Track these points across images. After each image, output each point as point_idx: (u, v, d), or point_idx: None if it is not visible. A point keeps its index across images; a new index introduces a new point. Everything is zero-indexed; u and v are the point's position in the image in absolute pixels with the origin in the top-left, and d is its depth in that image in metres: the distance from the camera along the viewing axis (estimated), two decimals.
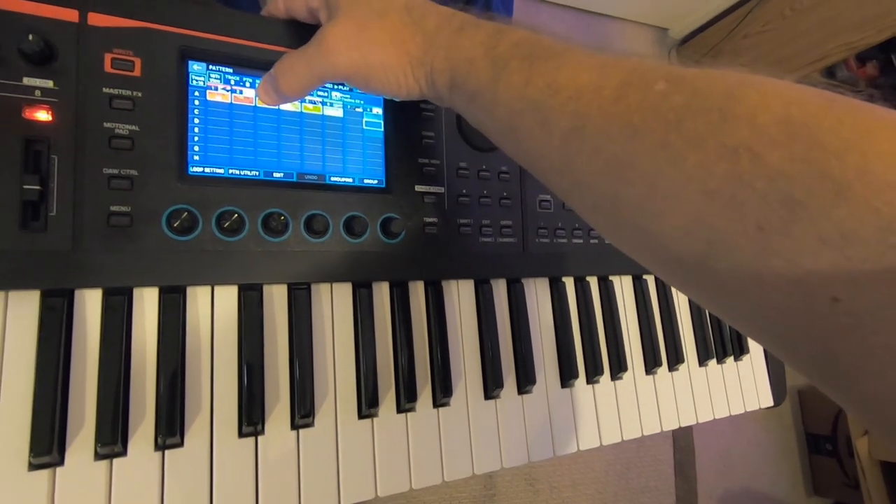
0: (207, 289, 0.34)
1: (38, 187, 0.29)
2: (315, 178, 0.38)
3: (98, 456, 0.29)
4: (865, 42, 1.41)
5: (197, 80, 0.35)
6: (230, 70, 0.36)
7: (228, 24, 0.36)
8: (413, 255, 0.40)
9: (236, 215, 0.34)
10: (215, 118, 0.35)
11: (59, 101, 0.30)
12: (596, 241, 0.49)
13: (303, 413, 0.34)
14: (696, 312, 0.56)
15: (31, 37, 0.29)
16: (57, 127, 0.30)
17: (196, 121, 0.35)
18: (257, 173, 0.36)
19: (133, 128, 0.32)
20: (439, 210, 0.41)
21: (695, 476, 1.47)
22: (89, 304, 0.31)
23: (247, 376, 0.33)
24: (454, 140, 0.43)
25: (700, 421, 0.53)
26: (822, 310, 0.17)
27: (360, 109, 0.41)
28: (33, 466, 0.28)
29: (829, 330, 0.17)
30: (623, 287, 0.52)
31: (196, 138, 0.35)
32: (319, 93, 0.39)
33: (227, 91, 0.36)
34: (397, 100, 0.36)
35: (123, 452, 0.30)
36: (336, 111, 0.40)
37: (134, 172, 0.32)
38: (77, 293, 0.31)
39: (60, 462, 0.29)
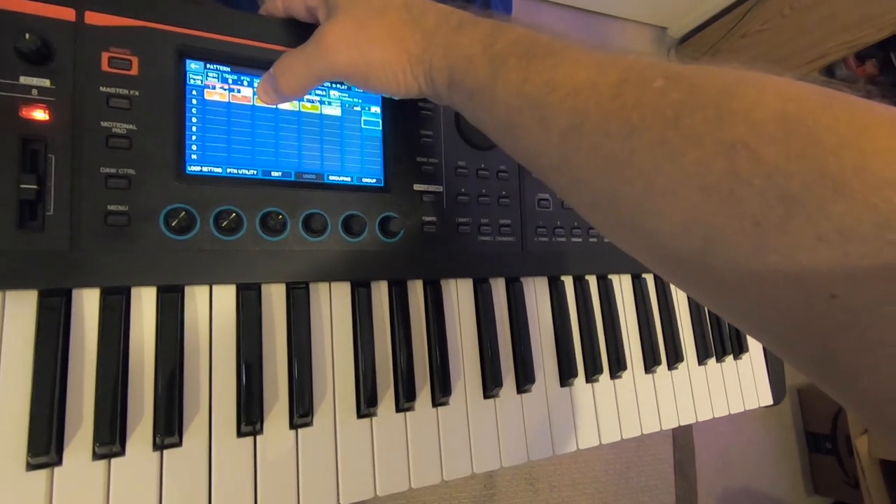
0: (205, 288, 0.34)
1: (35, 187, 0.29)
2: (313, 177, 0.38)
3: (96, 456, 0.29)
4: (864, 40, 1.41)
5: (195, 79, 0.35)
6: (228, 69, 0.36)
7: (226, 23, 0.36)
8: (412, 254, 0.40)
9: (234, 214, 0.34)
10: (213, 117, 0.35)
11: (56, 101, 0.30)
12: (595, 239, 0.49)
13: (301, 412, 0.34)
14: (695, 311, 0.56)
15: (27, 36, 0.29)
16: (54, 126, 0.30)
17: (194, 120, 0.35)
18: (255, 172, 0.36)
19: (130, 127, 0.32)
20: (438, 209, 0.41)
21: (694, 475, 1.47)
22: (87, 304, 0.31)
23: (245, 376, 0.33)
24: (453, 139, 0.43)
25: (699, 420, 0.53)
26: (819, 306, 0.17)
27: (358, 108, 0.40)
28: (31, 466, 0.28)
29: (827, 326, 0.17)
30: (622, 286, 0.52)
31: (194, 137, 0.35)
32: (317, 92, 0.39)
33: (225, 90, 0.36)
34: (396, 98, 0.36)
35: (122, 452, 0.30)
36: (334, 110, 0.40)
37: (131, 171, 0.32)
38: (75, 293, 0.31)
39: (58, 462, 0.29)
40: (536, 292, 0.47)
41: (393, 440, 0.37)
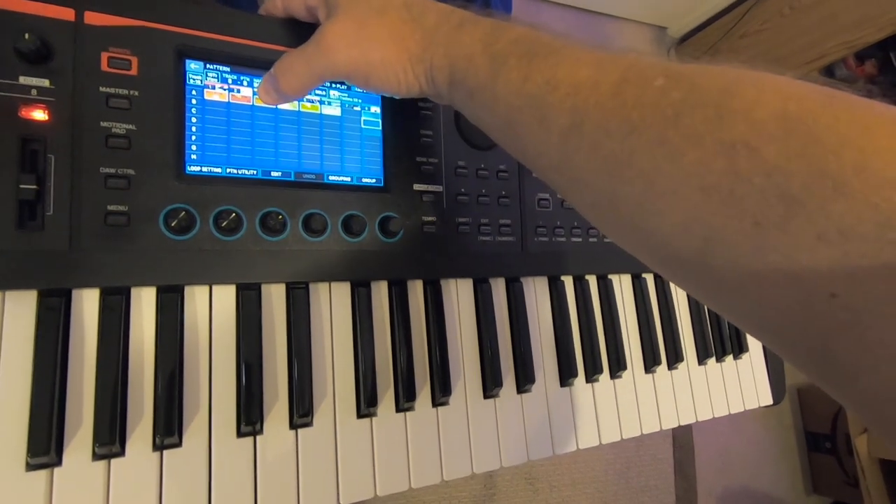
0: (205, 288, 0.34)
1: (34, 187, 0.29)
2: (313, 177, 0.38)
3: (96, 456, 0.29)
4: (864, 40, 1.41)
5: (194, 79, 0.35)
6: (228, 69, 0.36)
7: (226, 23, 0.36)
8: (411, 254, 0.40)
9: (234, 214, 0.34)
10: (213, 117, 0.35)
11: (55, 101, 0.30)
12: (595, 239, 0.49)
13: (301, 412, 0.34)
14: (695, 311, 0.56)
15: (27, 36, 0.29)
16: (53, 126, 0.30)
17: (193, 120, 0.35)
18: (255, 172, 0.36)
19: (130, 127, 0.32)
20: (438, 209, 0.41)
21: (694, 475, 1.47)
22: (87, 304, 0.31)
23: (245, 376, 0.33)
24: (452, 138, 0.43)
25: (699, 419, 0.53)
26: (819, 306, 0.17)
27: (358, 108, 0.40)
28: (31, 467, 0.28)
29: (827, 326, 0.17)
30: (622, 286, 0.52)
31: (193, 137, 0.35)
32: (317, 91, 0.39)
33: (225, 90, 0.36)
34: (397, 97, 0.36)
35: (121, 453, 0.30)
36: (334, 110, 0.40)
37: (131, 172, 0.32)
38: (74, 293, 0.31)
39: (58, 462, 0.29)
40: (536, 292, 0.47)
41: (393, 440, 0.37)
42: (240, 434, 0.33)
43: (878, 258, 0.15)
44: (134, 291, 0.32)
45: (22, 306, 0.29)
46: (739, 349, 0.58)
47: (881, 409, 0.18)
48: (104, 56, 0.32)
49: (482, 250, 0.43)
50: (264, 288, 0.35)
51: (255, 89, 0.37)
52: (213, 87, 0.36)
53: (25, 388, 0.28)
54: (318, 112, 0.39)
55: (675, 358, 0.52)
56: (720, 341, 0.57)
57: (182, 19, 0.34)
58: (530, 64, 0.27)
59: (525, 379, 0.43)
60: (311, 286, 0.37)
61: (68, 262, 0.30)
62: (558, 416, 0.45)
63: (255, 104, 0.37)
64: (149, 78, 0.33)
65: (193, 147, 0.34)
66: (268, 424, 0.34)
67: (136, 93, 0.32)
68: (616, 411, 0.48)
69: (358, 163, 0.40)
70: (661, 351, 0.52)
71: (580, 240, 0.48)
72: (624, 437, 0.48)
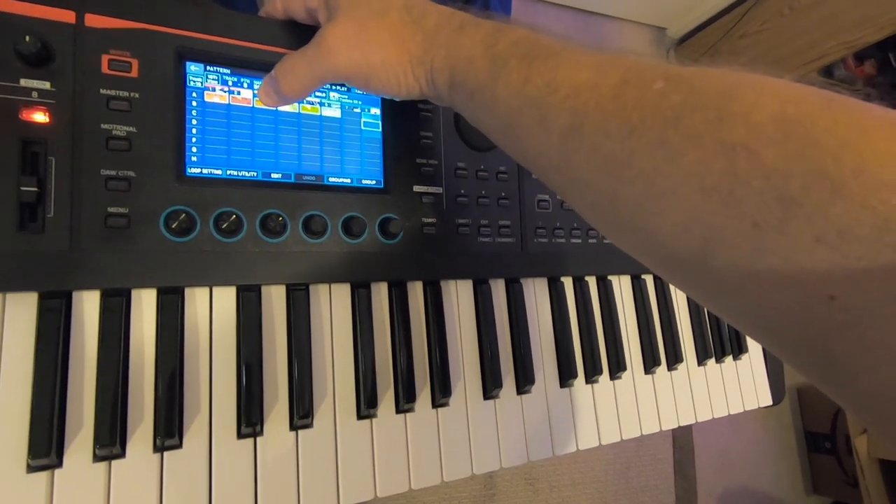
0: (206, 290, 0.34)
1: (35, 189, 0.29)
2: (313, 178, 0.38)
3: (96, 458, 0.29)
4: (864, 41, 1.41)
5: (194, 81, 0.35)
6: (228, 71, 0.36)
7: (226, 25, 0.36)
8: (411, 255, 0.40)
9: (234, 216, 0.34)
10: (213, 119, 0.35)
11: (56, 103, 0.30)
12: (594, 240, 0.49)
13: (301, 414, 0.34)
14: (694, 312, 0.56)
15: (27, 38, 0.29)
16: (54, 128, 0.30)
17: (194, 122, 0.35)
18: (255, 174, 0.36)
19: (130, 129, 0.32)
20: (437, 210, 0.41)
21: (694, 475, 1.47)
22: (87, 306, 0.31)
23: (245, 377, 0.33)
24: (452, 140, 0.43)
25: (699, 420, 0.53)
26: (818, 307, 0.17)
27: (358, 110, 0.41)
28: (31, 468, 0.28)
29: (826, 327, 0.17)
30: (622, 287, 0.52)
31: (194, 139, 0.35)
32: (317, 93, 0.39)
33: (225, 92, 0.36)
34: (397, 99, 0.36)
35: (122, 454, 0.30)
36: (334, 112, 0.40)
37: (131, 174, 0.32)
38: (75, 295, 0.31)
39: (59, 464, 0.29)
40: (536, 293, 0.47)
41: (393, 441, 0.37)
42: (240, 435, 0.33)
43: (876, 260, 0.15)
44: (134, 293, 0.32)
45: (22, 308, 0.29)
46: (739, 350, 0.58)
47: (881, 410, 0.18)
48: (105, 58, 0.32)
49: (482, 251, 0.43)
50: (264, 289, 0.36)
51: (256, 91, 0.37)
52: (214, 89, 0.36)
53: (26, 389, 0.28)
54: (319, 114, 0.39)
55: (674, 359, 0.52)
56: (720, 342, 0.57)
57: (182, 21, 0.34)
58: (530, 66, 0.27)
59: (525, 380, 0.43)
60: (312, 287, 0.37)
61: (69, 263, 0.30)
62: (558, 416, 0.45)
63: (256, 106, 0.37)
64: (149, 80, 0.33)
65: (194, 149, 0.35)
66: (268, 426, 0.34)
67: (137, 95, 0.32)
68: (616, 412, 0.48)
69: (358, 164, 0.40)
70: (660, 352, 0.52)
71: (580, 241, 0.48)
72: (624, 438, 0.48)
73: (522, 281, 0.46)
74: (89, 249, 0.30)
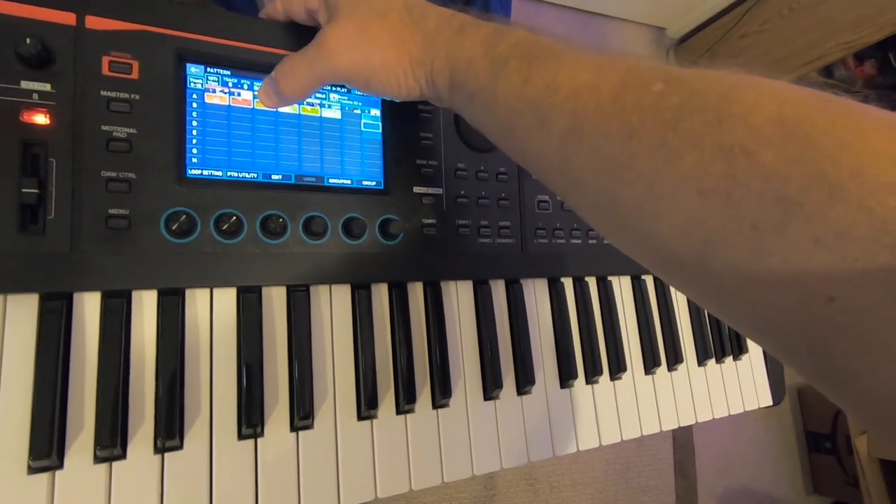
0: (206, 291, 0.34)
1: (36, 190, 0.29)
2: (313, 179, 0.38)
3: (97, 459, 0.30)
4: (863, 41, 1.41)
5: (195, 83, 0.35)
6: (228, 72, 0.36)
7: (226, 27, 0.36)
8: (412, 256, 0.40)
9: (235, 217, 0.34)
10: (213, 121, 0.35)
11: (56, 105, 0.30)
12: (594, 241, 0.49)
13: (302, 415, 0.34)
14: (694, 312, 0.56)
15: (28, 40, 0.29)
16: (55, 130, 0.30)
17: (194, 123, 0.35)
18: (256, 175, 0.36)
19: (131, 130, 0.32)
20: (438, 211, 0.42)
21: (695, 475, 1.47)
22: (88, 307, 0.31)
23: (246, 378, 0.33)
24: (452, 141, 0.43)
25: (699, 421, 0.53)
26: (817, 309, 0.17)
27: (358, 111, 0.41)
28: (32, 470, 0.28)
29: (825, 329, 0.17)
30: (622, 287, 0.52)
31: (194, 141, 0.35)
32: (317, 95, 0.39)
33: (226, 93, 0.36)
34: (397, 100, 0.36)
35: (123, 455, 0.30)
36: (334, 113, 0.40)
37: (132, 175, 0.32)
38: (76, 296, 0.31)
39: (60, 465, 0.29)
40: (536, 294, 0.47)
41: (393, 442, 0.37)
42: (241, 436, 0.33)
43: (875, 262, 0.15)
44: (135, 294, 0.32)
45: (23, 309, 0.29)
46: (739, 350, 0.58)
47: (879, 411, 0.18)
48: (105, 60, 0.32)
49: (482, 252, 0.43)
50: (265, 290, 0.36)
51: (256, 93, 0.37)
52: (214, 91, 0.36)
53: (27, 391, 0.28)
54: (319, 115, 0.39)
55: (674, 359, 0.52)
56: (720, 342, 0.57)
57: (183, 23, 0.34)
58: (530, 67, 0.27)
59: (525, 380, 0.43)
60: (312, 288, 0.37)
61: (69, 265, 0.30)
62: (558, 417, 0.45)
63: (256, 107, 0.37)
64: (150, 82, 0.33)
65: (194, 150, 0.35)
66: (268, 427, 0.34)
67: (137, 96, 0.33)
68: (616, 412, 0.48)
69: (358, 165, 0.40)
70: (660, 352, 0.52)
71: (580, 241, 0.48)
72: (624, 439, 0.48)
73: (522, 281, 0.46)
74: (90, 251, 0.30)
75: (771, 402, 0.59)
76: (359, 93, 0.40)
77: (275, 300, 0.36)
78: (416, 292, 0.41)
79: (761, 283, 0.19)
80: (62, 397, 0.29)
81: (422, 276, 0.41)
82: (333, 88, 0.40)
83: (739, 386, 0.57)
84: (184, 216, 0.32)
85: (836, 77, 1.65)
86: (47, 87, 0.30)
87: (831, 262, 0.16)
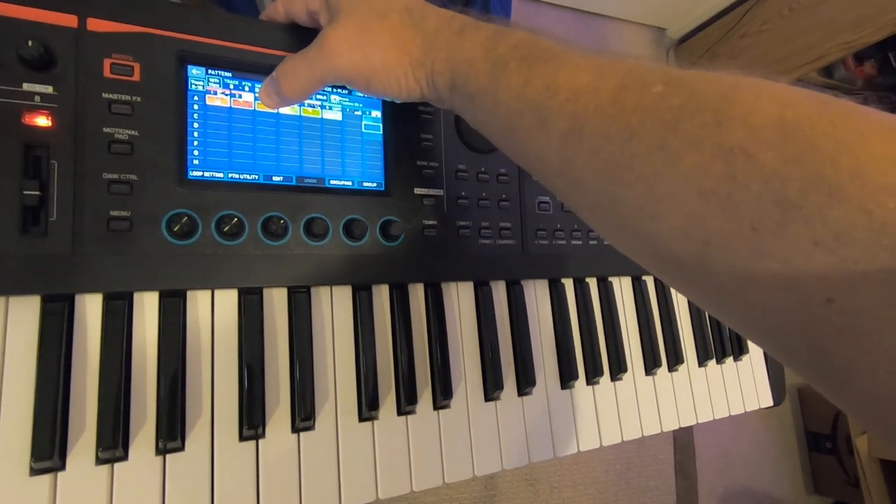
0: (207, 293, 0.34)
1: (37, 192, 0.29)
2: (314, 181, 0.38)
3: (99, 461, 0.30)
4: (863, 41, 1.41)
5: (196, 85, 0.35)
6: (229, 74, 0.36)
7: (227, 29, 0.36)
8: (412, 257, 0.40)
9: (236, 219, 0.34)
10: (215, 122, 0.36)
11: (58, 107, 0.31)
12: (595, 242, 0.49)
13: (303, 416, 0.34)
14: (695, 313, 0.56)
15: (30, 43, 0.29)
16: (57, 132, 0.30)
17: (195, 125, 0.35)
18: (257, 177, 0.37)
19: (132, 132, 0.32)
20: (438, 212, 0.42)
21: (695, 475, 1.47)
22: (90, 309, 0.31)
23: (247, 380, 0.33)
24: (453, 142, 0.43)
25: (700, 421, 0.53)
26: (816, 310, 0.17)
27: (358, 112, 0.41)
28: (34, 471, 0.28)
29: (824, 330, 0.17)
30: (622, 288, 0.52)
31: (195, 143, 0.35)
32: (318, 96, 0.39)
33: (227, 95, 0.36)
34: (398, 101, 0.36)
35: (124, 457, 0.30)
36: (335, 114, 0.40)
37: (133, 177, 0.32)
38: (77, 298, 0.31)
39: (62, 467, 0.29)
40: (537, 295, 0.47)
41: (394, 443, 0.38)
42: (242, 438, 0.33)
43: (873, 263, 0.16)
44: (136, 296, 0.32)
45: (25, 311, 0.29)
46: (740, 351, 0.58)
47: (879, 412, 0.18)
48: (107, 62, 0.32)
49: (483, 253, 0.43)
50: (266, 292, 0.36)
51: (257, 94, 0.37)
52: (215, 93, 0.36)
53: (29, 392, 0.29)
54: (320, 117, 0.39)
55: (675, 360, 0.52)
56: (720, 343, 0.57)
57: (184, 25, 0.34)
58: (530, 69, 0.27)
59: (526, 381, 0.43)
60: (313, 290, 0.37)
61: (71, 266, 0.30)
62: (559, 418, 0.45)
63: (257, 109, 0.37)
64: (151, 84, 0.33)
65: (195, 152, 0.35)
66: (270, 428, 0.34)
67: (139, 99, 0.33)
68: (617, 413, 0.48)
69: (359, 167, 0.40)
70: (661, 353, 0.52)
71: (580, 242, 0.48)
72: (625, 439, 0.48)
73: (523, 282, 0.46)
74: (91, 253, 0.31)
75: (772, 403, 0.59)
76: (359, 94, 0.40)
77: (276, 301, 0.36)
78: (416, 293, 0.41)
79: (760, 284, 0.19)
80: (64, 399, 0.29)
81: (423, 278, 0.41)
82: (334, 90, 0.40)
83: (740, 386, 0.57)
84: (185, 218, 0.33)
85: (836, 77, 1.65)
86: (49, 89, 0.30)
87: (830, 264, 0.16)
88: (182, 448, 0.31)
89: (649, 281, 0.54)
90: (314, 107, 0.39)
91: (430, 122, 0.43)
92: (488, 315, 0.43)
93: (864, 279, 0.16)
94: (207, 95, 0.36)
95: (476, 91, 0.30)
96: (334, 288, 0.38)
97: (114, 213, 0.31)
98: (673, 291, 0.55)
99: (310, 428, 0.35)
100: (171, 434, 0.31)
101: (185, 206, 0.33)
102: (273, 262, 0.35)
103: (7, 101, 0.29)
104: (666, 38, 1.86)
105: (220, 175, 0.35)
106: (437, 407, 0.40)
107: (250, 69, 0.37)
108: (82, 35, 0.32)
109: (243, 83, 0.37)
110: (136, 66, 0.33)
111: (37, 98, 0.30)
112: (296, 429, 0.35)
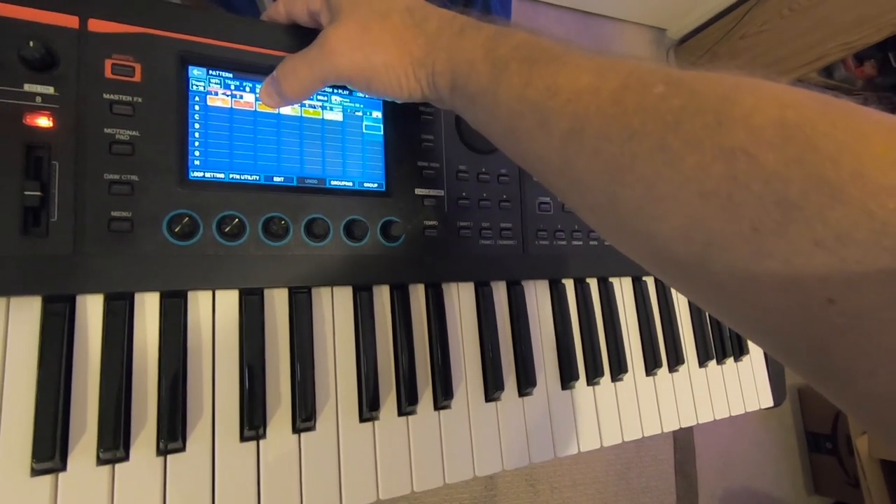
0: (208, 293, 0.34)
1: (39, 193, 0.29)
2: (315, 182, 0.38)
3: (100, 461, 0.30)
4: (863, 41, 1.41)
5: (197, 86, 0.35)
6: (230, 75, 0.37)
7: (228, 29, 0.36)
8: (413, 257, 0.40)
9: (237, 220, 0.34)
10: (215, 123, 0.36)
11: (59, 108, 0.31)
12: (595, 242, 0.49)
13: (304, 416, 0.34)
14: (695, 313, 0.56)
15: (31, 43, 0.29)
16: (58, 133, 0.30)
17: (196, 126, 0.35)
18: (258, 178, 0.37)
19: (133, 133, 0.32)
20: (439, 213, 0.42)
21: (695, 475, 1.47)
22: (91, 310, 0.31)
23: (248, 380, 0.33)
24: (453, 143, 0.43)
25: (700, 422, 0.53)
26: (816, 311, 0.17)
27: (359, 113, 0.41)
28: (36, 472, 0.28)
29: (824, 330, 0.17)
30: (623, 288, 0.52)
31: (196, 143, 0.35)
32: (319, 97, 0.39)
33: (228, 96, 0.36)
34: (398, 102, 0.36)
35: (125, 458, 0.30)
36: (336, 115, 0.40)
37: (134, 178, 0.32)
38: (78, 298, 0.31)
39: (63, 468, 0.29)
40: (537, 295, 0.47)
41: (395, 444, 0.38)
42: (243, 438, 0.33)
43: (874, 264, 0.16)
44: (137, 297, 0.32)
45: (26, 312, 0.30)
46: (740, 351, 0.58)
47: (878, 412, 0.18)
48: (108, 63, 0.32)
49: (483, 254, 0.43)
50: (267, 293, 0.36)
51: (258, 94, 0.37)
52: (216, 94, 0.36)
53: (30, 393, 0.29)
54: (320, 117, 0.39)
55: (675, 360, 0.52)
56: (721, 343, 0.57)
57: (185, 26, 0.35)
58: (531, 69, 0.27)
59: (526, 382, 0.43)
60: (314, 290, 0.37)
61: (72, 267, 0.30)
62: (559, 418, 0.45)
63: (258, 110, 0.37)
64: (152, 84, 0.33)
65: (196, 153, 0.35)
66: (271, 429, 0.34)
67: (140, 99, 0.33)
68: (617, 414, 0.48)
69: (360, 167, 0.40)
70: (661, 353, 0.52)
71: (581, 243, 0.48)
72: (625, 440, 0.48)
73: (524, 283, 0.46)
74: (92, 253, 0.31)
75: (772, 403, 0.59)
76: (360, 95, 0.40)
77: (277, 302, 0.36)
78: (417, 294, 0.41)
79: (761, 284, 0.19)
80: (65, 399, 0.29)
81: (423, 278, 0.41)
82: (335, 90, 0.40)
83: (740, 387, 0.57)
84: (186, 218, 0.33)
85: (836, 77, 1.65)
86: (50, 89, 0.31)
87: (831, 264, 0.16)
88: (183, 448, 0.31)
89: (650, 281, 0.54)
90: (315, 107, 0.39)
91: (431, 123, 0.43)
92: (489, 315, 0.43)
93: (864, 280, 0.16)
94: (208, 96, 0.36)
95: (477, 91, 0.30)
96: (335, 288, 0.38)
97: (115, 213, 0.31)
98: (673, 292, 0.55)
99: (311, 428, 0.35)
100: (172, 434, 0.31)
101: (186, 206, 0.33)
102: (274, 262, 0.35)
103: (8, 102, 0.30)
104: (666, 39, 1.86)
105: (221, 176, 0.35)
106: (437, 407, 0.40)
107: (251, 69, 0.37)
108: (83, 36, 0.32)
109: (244, 84, 0.37)
110: (137, 67, 0.33)
111: (38, 99, 0.30)
112: (297, 429, 0.35)
